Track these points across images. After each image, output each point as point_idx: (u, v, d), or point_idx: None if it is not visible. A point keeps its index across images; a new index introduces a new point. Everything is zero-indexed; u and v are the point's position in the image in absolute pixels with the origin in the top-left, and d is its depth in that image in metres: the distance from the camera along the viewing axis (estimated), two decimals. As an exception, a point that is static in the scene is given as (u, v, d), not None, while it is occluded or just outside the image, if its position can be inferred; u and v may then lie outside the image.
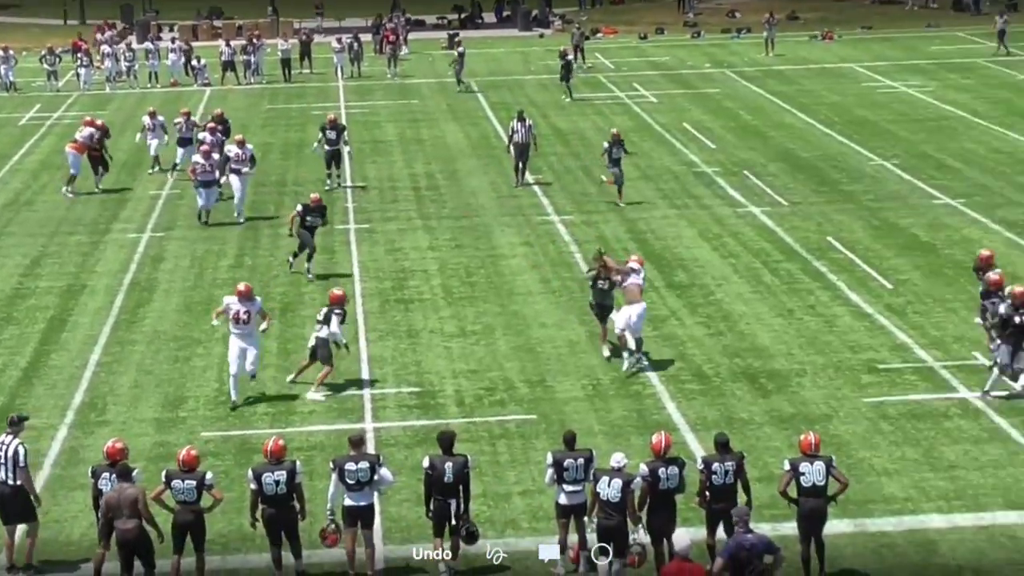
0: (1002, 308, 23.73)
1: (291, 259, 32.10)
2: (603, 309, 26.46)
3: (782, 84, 57.15)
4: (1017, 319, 23.46)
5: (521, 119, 39.66)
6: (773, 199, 38.01)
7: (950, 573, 18.65)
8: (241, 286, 24.84)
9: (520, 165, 39.76)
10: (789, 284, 30.82)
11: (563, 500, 18.65)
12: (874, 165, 42.03)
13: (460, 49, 58.19)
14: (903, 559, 18.91)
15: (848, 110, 51.11)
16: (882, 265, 31.92)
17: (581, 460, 18.55)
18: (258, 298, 25.12)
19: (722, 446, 18.41)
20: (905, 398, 24.32)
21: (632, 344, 25.53)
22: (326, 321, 24.73)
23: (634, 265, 26.38)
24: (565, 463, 18.55)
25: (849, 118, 49.53)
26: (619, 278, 26.08)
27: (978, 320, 25.70)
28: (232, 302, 24.55)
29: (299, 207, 31.75)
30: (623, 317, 25.61)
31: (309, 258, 31.69)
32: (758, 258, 32.77)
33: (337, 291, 25.43)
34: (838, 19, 75.78)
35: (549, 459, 18.78)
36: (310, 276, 31.49)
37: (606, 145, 37.53)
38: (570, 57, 54.83)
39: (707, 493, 18.22)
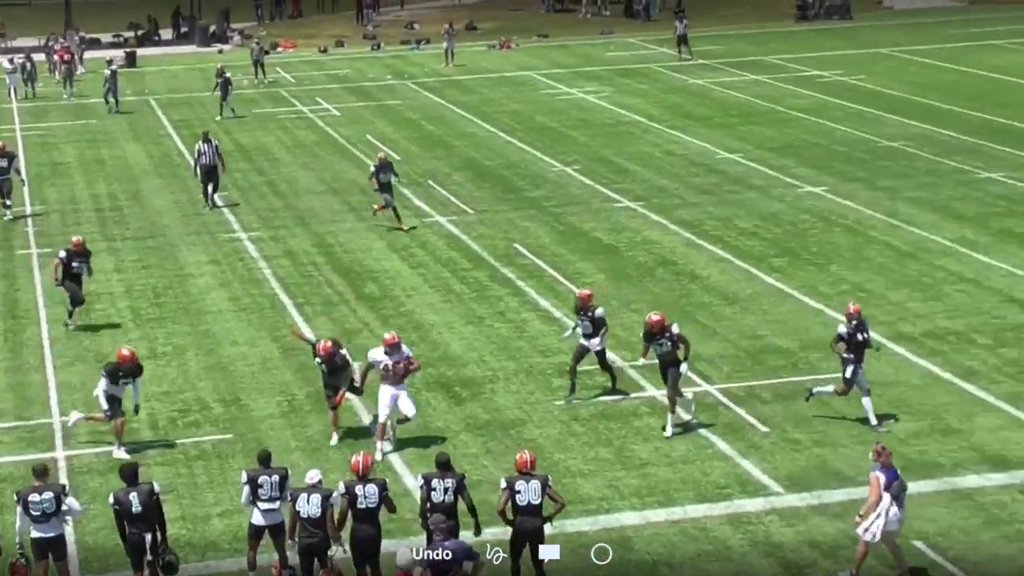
0: (841, 328, 23.41)
1: (68, 320, 29.35)
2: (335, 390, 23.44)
3: (463, 94, 57.76)
4: (859, 336, 23.23)
5: (207, 140, 39.07)
6: (459, 208, 38.41)
7: (646, 569, 19.12)
8: None
9: (209, 187, 39.13)
10: (478, 292, 31.19)
11: (257, 519, 18.58)
12: (556, 171, 42.84)
13: (112, 67, 56.26)
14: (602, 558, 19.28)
15: (529, 117, 51.95)
16: (568, 269, 32.56)
17: (276, 477, 18.49)
18: None
19: (442, 465, 18.48)
20: (596, 400, 24.84)
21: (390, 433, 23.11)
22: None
23: (380, 355, 23.02)
24: (259, 480, 18.47)
25: (530, 125, 50.36)
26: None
27: (643, 360, 24.64)
28: None
29: (61, 253, 29.26)
30: (386, 403, 22.79)
31: (71, 312, 29.35)
32: (447, 267, 33.07)
33: (124, 351, 23.43)
34: (515, 28, 76.86)
35: (244, 477, 18.69)
36: (71, 325, 29.25)
37: (372, 169, 36.50)
38: (228, 75, 53.76)
39: (428, 511, 18.20)
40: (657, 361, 23.60)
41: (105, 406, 22.94)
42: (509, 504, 18.10)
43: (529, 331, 28.50)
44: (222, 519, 20.70)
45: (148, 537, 18.10)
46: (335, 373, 23.16)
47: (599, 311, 24.76)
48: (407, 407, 22.77)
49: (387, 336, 23.24)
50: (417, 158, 45.07)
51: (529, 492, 18.05)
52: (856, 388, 23.33)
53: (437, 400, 25.08)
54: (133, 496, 18.10)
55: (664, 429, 23.34)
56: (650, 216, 37.12)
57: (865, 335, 23.39)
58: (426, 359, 27.07)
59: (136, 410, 23.37)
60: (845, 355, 23.28)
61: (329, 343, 23.36)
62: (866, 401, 23.37)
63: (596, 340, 24.59)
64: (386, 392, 22.76)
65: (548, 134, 48.63)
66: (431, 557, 16.49)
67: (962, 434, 23.11)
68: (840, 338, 23.36)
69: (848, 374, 23.22)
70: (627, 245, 34.56)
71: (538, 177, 42.16)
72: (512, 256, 33.77)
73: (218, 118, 52.23)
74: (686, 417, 23.58)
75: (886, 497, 18.17)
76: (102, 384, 23.02)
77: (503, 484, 18.25)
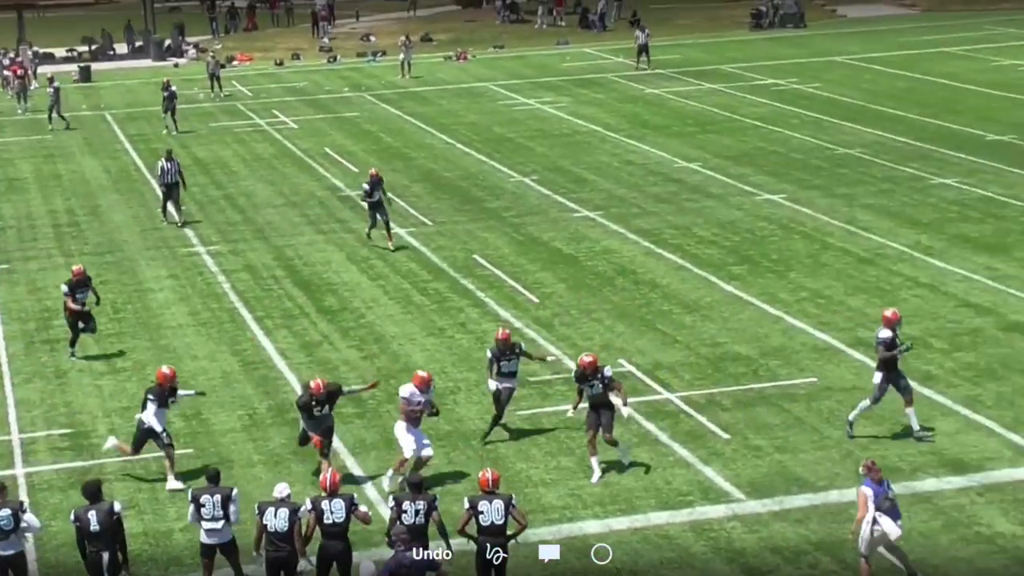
0: (882, 334, 22.85)
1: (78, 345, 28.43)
2: (325, 434, 22.25)
3: (421, 105, 57.78)
4: (898, 341, 22.84)
5: (169, 158, 38.80)
6: (418, 220, 38.40)
7: (610, 576, 19.19)
8: None
9: (172, 205, 38.79)
10: (439, 303, 31.22)
11: (203, 538, 18.59)
12: (514, 181, 42.91)
13: (55, 84, 55.51)
14: (564, 567, 19.25)
15: (486, 128, 52.01)
16: (528, 279, 32.62)
17: (218, 497, 18.44)
18: None
19: (414, 486, 18.36)
20: (557, 408, 24.82)
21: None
22: (143, 405, 22.53)
23: (416, 393, 22.08)
24: (201, 499, 18.46)
25: (488, 136, 50.42)
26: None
27: (571, 412, 22.98)
28: None
29: (64, 288, 28.18)
30: (408, 443, 21.87)
31: (73, 343, 28.39)
32: (407, 279, 33.08)
33: (165, 370, 22.82)
34: (471, 39, 76.94)
35: (189, 496, 18.71)
36: (74, 358, 28.21)
37: (365, 187, 35.56)
38: (173, 88, 53.49)
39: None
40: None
41: (160, 428, 22.24)
42: (471, 524, 17.99)
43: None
44: (184, 534, 20.63)
45: (105, 556, 17.99)
46: (327, 414, 22.02)
47: (523, 346, 24.19)
48: (428, 449, 21.92)
49: (423, 374, 22.21)
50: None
51: (492, 512, 17.91)
52: (876, 392, 23.06)
53: (398, 412, 25.02)
54: (92, 514, 18.03)
55: (592, 475, 22.22)
56: (609, 225, 37.23)
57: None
58: (387, 371, 27.12)
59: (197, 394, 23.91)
60: (890, 355, 22.84)
61: (320, 381, 22.21)
62: (865, 404, 23.21)
63: (515, 381, 23.53)
64: (408, 429, 21.82)
65: (506, 145, 48.70)
66: (392, 565, 16.55)
67: (922, 437, 23.22)
68: (886, 345, 22.81)
69: (879, 380, 22.98)
70: (586, 255, 34.65)
71: (497, 188, 42.23)
72: (472, 267, 33.81)
73: (174, 133, 52.04)
74: (625, 461, 22.54)
75: (871, 509, 18.17)
76: (151, 411, 22.17)
77: (466, 504, 18.12)
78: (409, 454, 21.74)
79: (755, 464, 22.53)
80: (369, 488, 21.90)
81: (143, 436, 22.37)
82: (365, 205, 36.16)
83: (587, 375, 22.22)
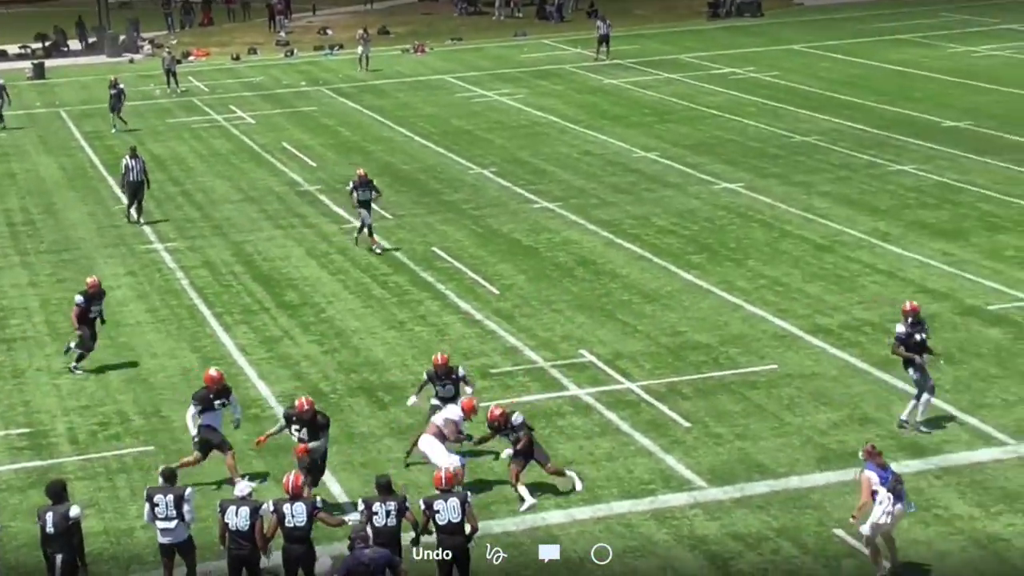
0: (899, 328, 22.89)
1: (76, 365, 27.33)
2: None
3: (379, 99, 57.67)
4: (917, 337, 22.77)
5: (134, 156, 38.50)
6: (377, 213, 38.19)
7: (573, 566, 19.16)
8: None
9: (134, 203, 38.47)
10: (399, 296, 31.19)
11: (159, 538, 18.50)
12: (473, 174, 42.89)
13: (0, 82, 55.16)
14: (528, 557, 19.29)
15: (445, 121, 51.95)
16: (488, 271, 32.63)
17: (171, 497, 18.31)
18: None
19: (383, 487, 18.14)
20: (519, 400, 24.85)
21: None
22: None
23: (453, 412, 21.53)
24: (155, 499, 18.37)
25: (446, 129, 50.37)
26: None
27: (508, 455, 21.52)
28: None
29: (79, 299, 27.06)
30: (445, 454, 21.05)
31: (80, 355, 27.25)
32: (367, 273, 33.04)
33: (212, 372, 22.16)
34: (428, 32, 76.84)
35: (145, 494, 18.65)
36: (78, 372, 27.12)
37: (351, 186, 34.96)
38: (121, 86, 53.09)
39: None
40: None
41: (194, 432, 21.77)
42: (430, 524, 17.90)
43: (451, 334, 28.54)
44: (146, 531, 20.52)
45: (58, 558, 17.84)
46: (314, 435, 20.88)
47: (462, 371, 22.86)
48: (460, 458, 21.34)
49: (474, 401, 21.61)
50: (333, 164, 44.98)
51: (448, 511, 17.81)
52: (921, 383, 22.91)
53: (360, 405, 25.07)
54: (49, 515, 17.90)
55: (522, 501, 21.10)
56: (568, 216, 37.26)
57: (923, 335, 22.92)
58: (348, 365, 27.11)
59: (237, 424, 22.46)
60: (906, 355, 22.85)
61: (303, 399, 21.23)
62: (926, 399, 22.98)
63: (454, 408, 21.62)
64: (439, 444, 21.10)
65: (464, 137, 48.67)
66: (349, 563, 16.51)
67: (880, 423, 23.37)
68: (899, 340, 22.87)
69: (914, 375, 22.96)
70: (546, 246, 34.67)
71: (456, 180, 42.20)
72: (431, 260, 33.79)
73: (123, 129, 51.65)
74: (579, 486, 21.60)
75: (882, 492, 18.22)
76: (192, 412, 21.72)
77: (422, 506, 17.94)
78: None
79: (716, 452, 22.60)
80: (333, 484, 21.83)
81: (202, 445, 21.87)
82: (353, 202, 35.05)
83: (499, 427, 21.26)
